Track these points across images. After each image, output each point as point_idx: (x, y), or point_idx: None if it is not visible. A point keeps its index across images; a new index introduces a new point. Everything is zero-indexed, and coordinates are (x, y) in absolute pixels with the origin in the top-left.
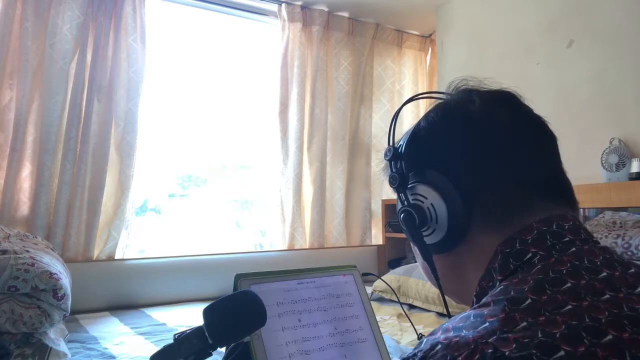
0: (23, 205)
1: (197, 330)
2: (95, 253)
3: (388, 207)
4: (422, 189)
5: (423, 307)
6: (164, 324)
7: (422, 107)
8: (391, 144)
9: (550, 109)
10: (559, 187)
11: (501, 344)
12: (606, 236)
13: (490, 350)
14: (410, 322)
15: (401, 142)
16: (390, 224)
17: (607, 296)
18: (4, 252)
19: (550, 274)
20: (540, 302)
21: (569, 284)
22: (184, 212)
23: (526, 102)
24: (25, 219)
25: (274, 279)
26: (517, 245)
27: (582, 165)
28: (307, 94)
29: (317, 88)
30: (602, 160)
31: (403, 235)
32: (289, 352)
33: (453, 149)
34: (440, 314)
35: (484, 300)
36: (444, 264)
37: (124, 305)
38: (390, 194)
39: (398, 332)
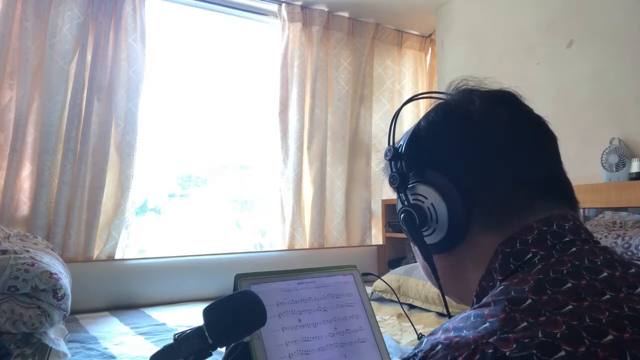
0: (23, 205)
1: (197, 330)
2: (95, 253)
3: (388, 207)
4: (422, 189)
5: (423, 307)
6: (164, 324)
7: (422, 107)
8: (391, 144)
9: (550, 109)
10: (559, 187)
11: (502, 344)
12: (606, 236)
13: (490, 351)
14: (410, 322)
15: (401, 142)
16: (390, 224)
17: (608, 296)
18: (4, 252)
19: (551, 274)
20: (541, 302)
21: (569, 284)
22: (184, 212)
23: (526, 102)
24: (25, 219)
25: (274, 279)
26: (518, 245)
27: (582, 165)
28: (307, 94)
29: (317, 88)
30: (602, 160)
31: (403, 235)
32: (289, 352)
33: (453, 149)
34: (440, 314)
35: (484, 300)
36: (444, 264)
37: (124, 305)
38: (390, 194)
39: (398, 332)
